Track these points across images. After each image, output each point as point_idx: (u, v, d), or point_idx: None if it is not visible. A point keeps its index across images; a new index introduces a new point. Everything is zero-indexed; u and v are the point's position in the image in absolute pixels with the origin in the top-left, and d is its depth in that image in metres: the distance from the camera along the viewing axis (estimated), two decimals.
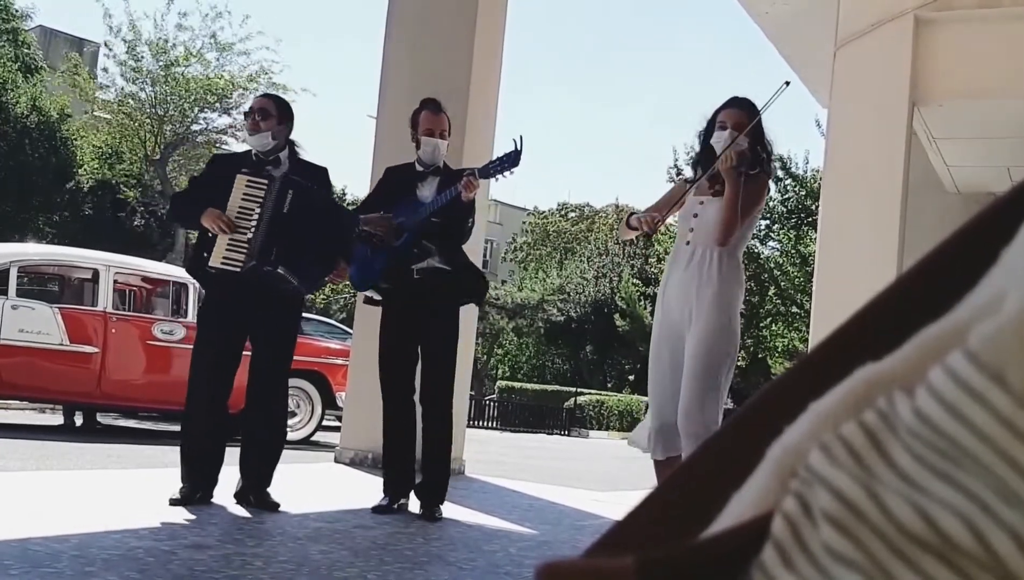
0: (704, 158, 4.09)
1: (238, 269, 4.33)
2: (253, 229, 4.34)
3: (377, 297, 4.72)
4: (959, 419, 0.36)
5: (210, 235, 4.39)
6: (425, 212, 4.53)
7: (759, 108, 3.99)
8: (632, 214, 4.23)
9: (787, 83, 4.00)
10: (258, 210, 4.36)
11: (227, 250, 4.34)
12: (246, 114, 4.62)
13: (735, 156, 3.85)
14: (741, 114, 3.97)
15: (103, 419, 10.39)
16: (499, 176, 4.49)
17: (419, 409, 4.70)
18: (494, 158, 4.45)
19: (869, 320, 0.46)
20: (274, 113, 4.56)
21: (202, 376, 4.47)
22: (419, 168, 4.69)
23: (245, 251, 4.34)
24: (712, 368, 3.83)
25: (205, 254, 4.41)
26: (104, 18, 22.09)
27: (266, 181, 4.40)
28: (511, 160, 4.40)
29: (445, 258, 4.58)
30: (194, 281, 9.13)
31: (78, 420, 9.87)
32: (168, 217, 5.06)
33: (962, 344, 0.37)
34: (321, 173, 4.69)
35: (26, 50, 25.66)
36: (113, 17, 22.25)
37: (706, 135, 4.06)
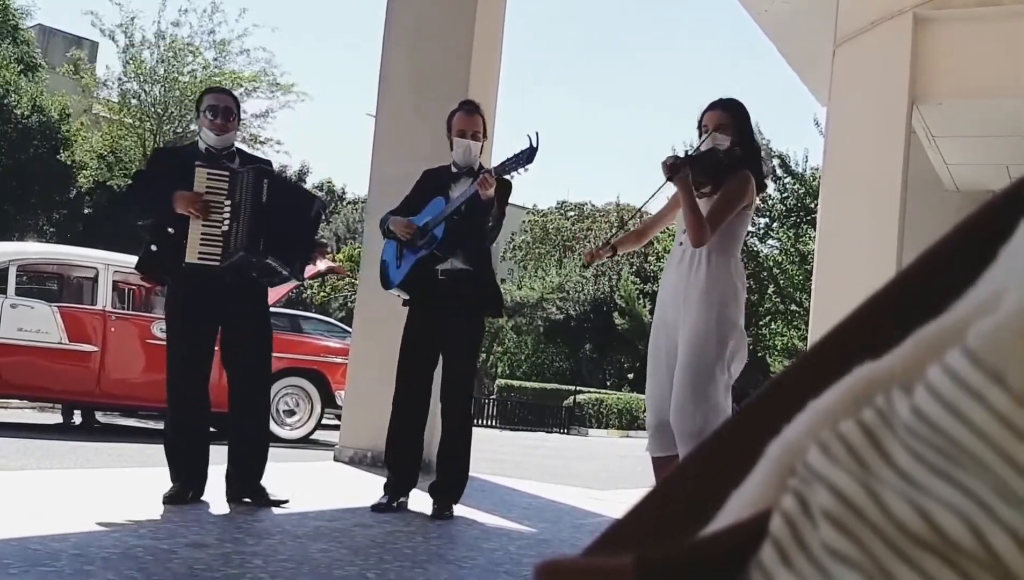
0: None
1: (217, 262, 4.32)
2: (227, 221, 4.34)
3: (405, 296, 4.73)
4: (958, 417, 0.36)
5: (171, 231, 4.35)
6: (445, 211, 4.55)
7: (735, 109, 4.03)
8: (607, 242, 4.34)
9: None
10: (228, 203, 4.35)
11: (202, 245, 4.32)
12: (205, 110, 4.54)
13: (666, 166, 3.89)
14: (721, 115, 4.00)
15: (102, 418, 10.39)
16: (516, 172, 4.49)
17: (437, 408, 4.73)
18: (510, 155, 4.46)
19: (867, 318, 0.46)
20: (235, 111, 4.61)
21: (178, 374, 4.44)
22: (453, 169, 4.72)
23: (222, 244, 4.33)
24: (703, 366, 3.82)
25: (154, 248, 4.38)
26: (96, 18, 22.10)
27: (227, 173, 4.40)
28: (527, 156, 4.40)
29: (467, 258, 4.59)
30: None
31: (76, 419, 9.86)
32: (124, 211, 4.99)
33: (961, 342, 0.37)
34: (268, 165, 4.76)
35: (26, 48, 25.66)
36: (106, 17, 22.25)
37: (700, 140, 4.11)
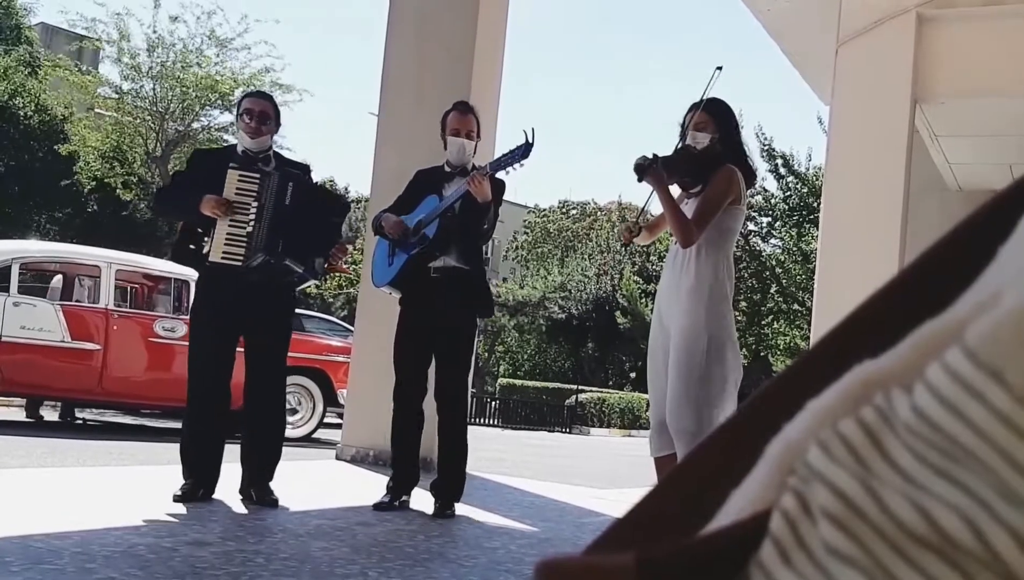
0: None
1: (239, 263, 4.36)
2: (252, 223, 4.38)
3: (397, 294, 4.74)
4: (958, 416, 0.36)
5: (199, 230, 4.42)
6: (438, 209, 4.55)
7: (715, 107, 4.05)
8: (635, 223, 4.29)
9: (719, 68, 4.03)
10: (255, 205, 4.40)
11: (226, 245, 4.37)
12: (242, 113, 4.62)
13: (635, 167, 3.91)
14: (699, 114, 4.02)
15: (81, 414, 10.39)
16: (511, 169, 4.48)
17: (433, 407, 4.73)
18: (505, 152, 4.44)
19: (867, 317, 0.46)
20: (272, 116, 4.65)
21: (200, 372, 4.48)
22: (447, 169, 4.72)
23: (245, 245, 4.37)
24: (695, 364, 3.81)
25: (192, 247, 4.44)
26: (87, 19, 22.07)
27: (258, 176, 4.44)
28: (522, 152, 4.38)
29: (461, 256, 4.59)
30: (195, 277, 9.20)
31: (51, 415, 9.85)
32: (155, 211, 5.03)
33: (960, 341, 0.37)
34: (305, 169, 4.78)
35: (29, 47, 25.68)
36: (101, 17, 22.24)
37: (682, 140, 4.11)
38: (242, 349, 4.57)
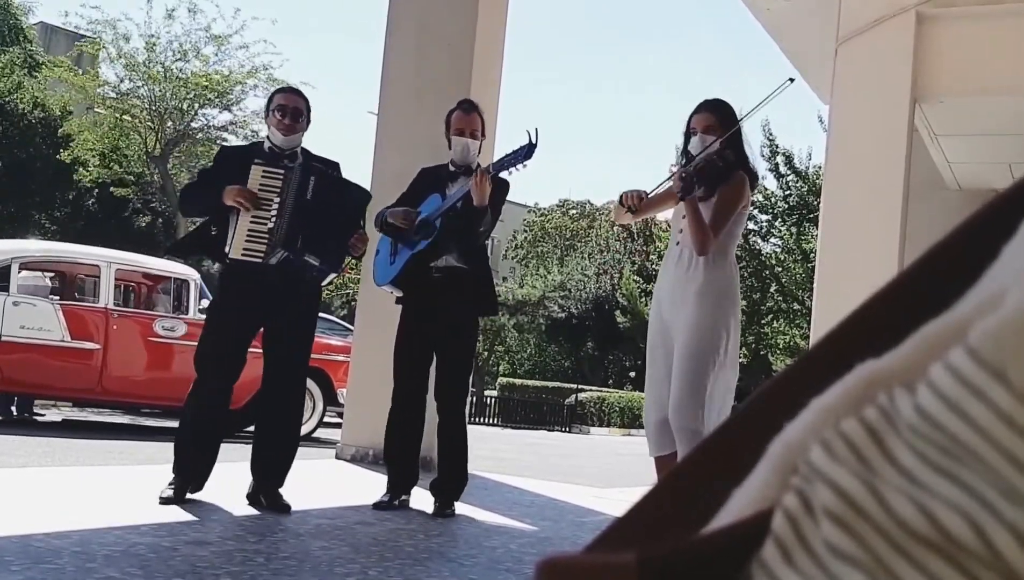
0: (688, 163, 4.18)
1: (260, 259, 4.31)
2: (274, 218, 4.31)
3: (399, 292, 4.74)
4: (960, 415, 0.36)
5: (214, 230, 4.37)
6: (441, 208, 4.54)
7: (723, 111, 4.04)
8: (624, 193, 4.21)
9: (791, 80, 4.02)
10: (277, 200, 4.33)
11: (247, 241, 4.30)
12: (275, 109, 4.50)
13: (678, 182, 3.91)
14: (709, 117, 4.02)
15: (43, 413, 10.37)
16: (513, 169, 4.46)
17: (433, 406, 4.72)
18: (508, 152, 4.43)
19: (870, 316, 0.46)
20: (305, 112, 4.56)
21: (205, 368, 4.39)
22: (451, 168, 4.71)
23: (267, 241, 4.30)
24: (701, 365, 3.86)
25: (208, 233, 4.39)
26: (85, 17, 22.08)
27: (282, 172, 4.38)
28: (525, 153, 4.37)
29: (462, 256, 4.58)
30: (195, 277, 9.19)
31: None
32: (181, 210, 4.90)
33: (963, 340, 0.37)
34: (334, 166, 4.66)
35: (28, 46, 25.70)
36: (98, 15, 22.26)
37: (685, 141, 4.12)
38: (257, 349, 4.50)
